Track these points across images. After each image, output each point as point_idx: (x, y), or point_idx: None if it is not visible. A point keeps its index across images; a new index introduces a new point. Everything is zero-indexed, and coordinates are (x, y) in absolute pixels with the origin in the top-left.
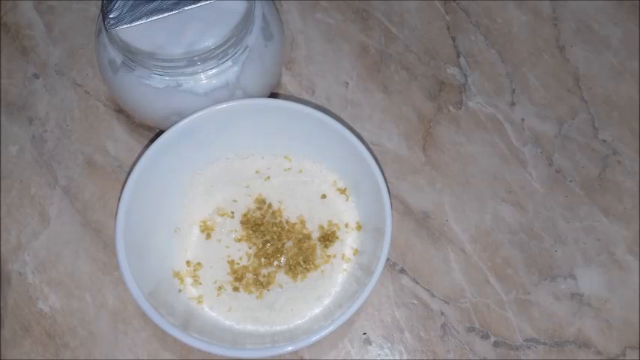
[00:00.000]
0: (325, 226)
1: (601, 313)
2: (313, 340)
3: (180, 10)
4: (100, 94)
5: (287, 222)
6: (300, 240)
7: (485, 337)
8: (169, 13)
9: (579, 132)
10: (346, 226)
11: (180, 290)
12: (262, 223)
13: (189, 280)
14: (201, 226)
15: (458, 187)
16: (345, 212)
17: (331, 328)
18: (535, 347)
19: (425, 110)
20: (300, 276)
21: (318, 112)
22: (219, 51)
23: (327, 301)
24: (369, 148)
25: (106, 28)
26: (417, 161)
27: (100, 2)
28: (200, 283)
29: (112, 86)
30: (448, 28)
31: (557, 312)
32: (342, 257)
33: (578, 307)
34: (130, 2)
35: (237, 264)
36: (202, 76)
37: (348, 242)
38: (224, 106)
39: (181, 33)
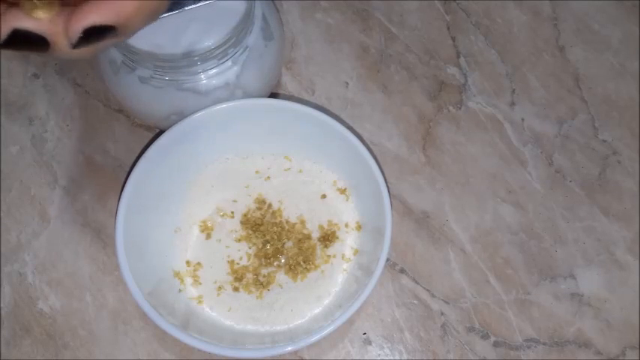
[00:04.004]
0: (325, 226)
1: (601, 313)
2: (313, 340)
3: (180, 10)
4: (100, 94)
5: (287, 222)
6: (300, 240)
7: (485, 337)
8: (169, 13)
9: (579, 132)
10: (346, 226)
11: (180, 290)
12: (262, 223)
13: (189, 280)
14: (201, 226)
15: (458, 187)
16: (345, 212)
17: (331, 328)
18: (535, 347)
19: (425, 110)
20: (300, 276)
21: (318, 112)
22: (219, 51)
23: (327, 301)
24: (369, 148)
25: None
26: (416, 161)
27: None
28: (200, 283)
29: (112, 86)
30: (448, 28)
31: (557, 312)
32: (342, 257)
33: (578, 307)
34: None
35: (237, 264)
36: (202, 76)
37: (348, 242)
38: (224, 106)
39: (181, 33)
